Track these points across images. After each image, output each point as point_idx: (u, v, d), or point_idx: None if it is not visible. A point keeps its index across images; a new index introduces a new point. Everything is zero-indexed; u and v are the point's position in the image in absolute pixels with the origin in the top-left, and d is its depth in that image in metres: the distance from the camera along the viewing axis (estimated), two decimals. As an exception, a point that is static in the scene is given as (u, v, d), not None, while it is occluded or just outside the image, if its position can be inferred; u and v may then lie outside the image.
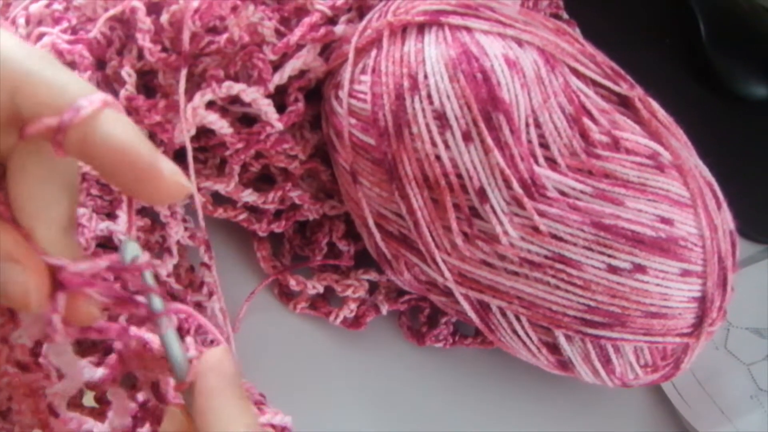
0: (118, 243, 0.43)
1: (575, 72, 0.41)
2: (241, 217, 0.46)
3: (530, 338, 0.41)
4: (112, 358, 0.30)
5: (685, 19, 0.59)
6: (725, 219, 0.42)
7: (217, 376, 0.26)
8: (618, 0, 0.60)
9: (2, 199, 0.26)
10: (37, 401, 0.31)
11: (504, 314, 0.41)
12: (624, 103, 0.42)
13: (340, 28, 0.44)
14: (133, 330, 0.29)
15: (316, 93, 0.45)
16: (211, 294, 0.45)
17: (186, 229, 0.46)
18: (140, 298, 0.27)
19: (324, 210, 0.46)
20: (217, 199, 0.46)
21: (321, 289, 0.47)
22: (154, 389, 0.29)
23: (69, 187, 0.26)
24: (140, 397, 0.32)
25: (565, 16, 0.54)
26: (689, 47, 0.58)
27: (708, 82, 0.58)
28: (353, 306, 0.47)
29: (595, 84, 0.42)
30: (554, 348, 0.41)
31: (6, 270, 0.24)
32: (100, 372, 0.32)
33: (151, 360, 0.29)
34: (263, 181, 0.47)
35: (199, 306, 0.45)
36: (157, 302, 0.27)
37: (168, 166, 0.24)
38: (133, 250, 0.27)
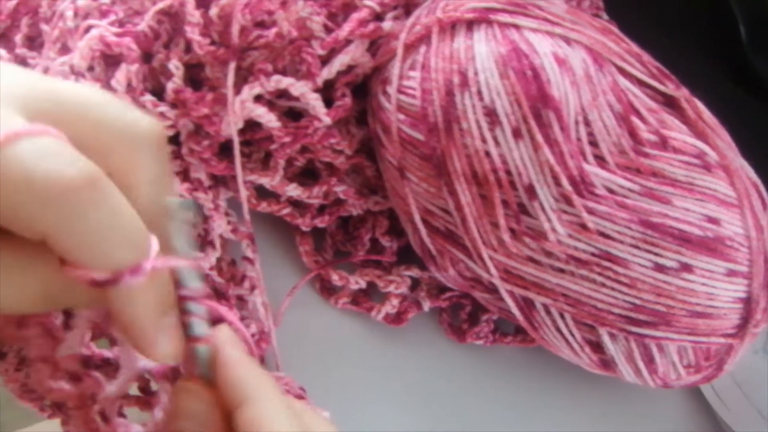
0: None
1: (622, 71, 0.41)
2: (285, 211, 0.46)
3: (573, 336, 0.41)
4: None
5: (725, 21, 0.59)
6: (771, 220, 0.42)
7: (233, 347, 0.29)
8: (657, 1, 0.59)
9: None
10: (88, 411, 0.32)
11: (548, 311, 0.41)
12: (670, 104, 0.42)
13: (387, 25, 0.44)
14: None
15: (361, 89, 0.45)
16: (253, 288, 0.45)
17: (229, 222, 0.46)
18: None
19: (368, 206, 0.46)
20: (261, 192, 0.46)
21: (363, 285, 0.47)
22: None
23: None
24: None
25: (605, 17, 0.54)
26: (729, 49, 0.58)
27: (748, 84, 0.58)
28: (395, 302, 0.47)
29: (641, 84, 0.42)
30: (597, 346, 0.41)
31: None
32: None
33: None
34: (306, 176, 0.47)
35: (240, 299, 0.45)
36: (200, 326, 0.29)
37: (164, 345, 0.28)
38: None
